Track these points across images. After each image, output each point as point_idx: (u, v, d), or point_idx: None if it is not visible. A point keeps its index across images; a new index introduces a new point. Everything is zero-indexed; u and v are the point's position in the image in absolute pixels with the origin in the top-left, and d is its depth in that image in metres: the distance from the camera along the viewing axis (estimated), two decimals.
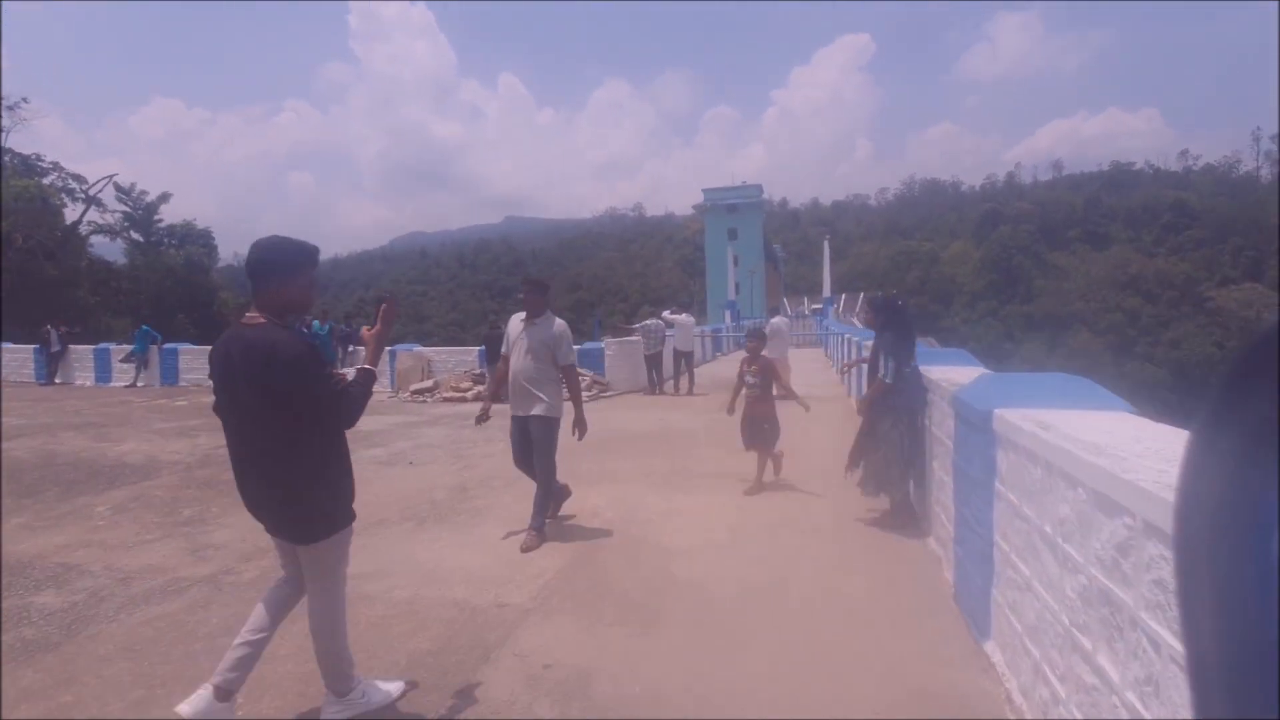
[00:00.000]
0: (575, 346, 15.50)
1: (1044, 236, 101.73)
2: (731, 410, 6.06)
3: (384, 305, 2.56)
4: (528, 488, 6.00)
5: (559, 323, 4.63)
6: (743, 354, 12.15)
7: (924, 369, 4.60)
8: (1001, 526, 2.74)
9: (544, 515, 4.61)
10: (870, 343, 10.97)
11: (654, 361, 13.21)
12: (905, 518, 4.70)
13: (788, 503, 5.35)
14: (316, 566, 2.45)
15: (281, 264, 2.35)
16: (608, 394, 13.20)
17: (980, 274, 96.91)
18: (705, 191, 63.35)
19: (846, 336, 13.54)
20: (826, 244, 33.33)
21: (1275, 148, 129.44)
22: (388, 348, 12.69)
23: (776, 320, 12.40)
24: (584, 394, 13.24)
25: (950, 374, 4.35)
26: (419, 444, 8.56)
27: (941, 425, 3.96)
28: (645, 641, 3.17)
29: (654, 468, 6.75)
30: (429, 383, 13.99)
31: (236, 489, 2.44)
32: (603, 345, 14.15)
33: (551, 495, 4.71)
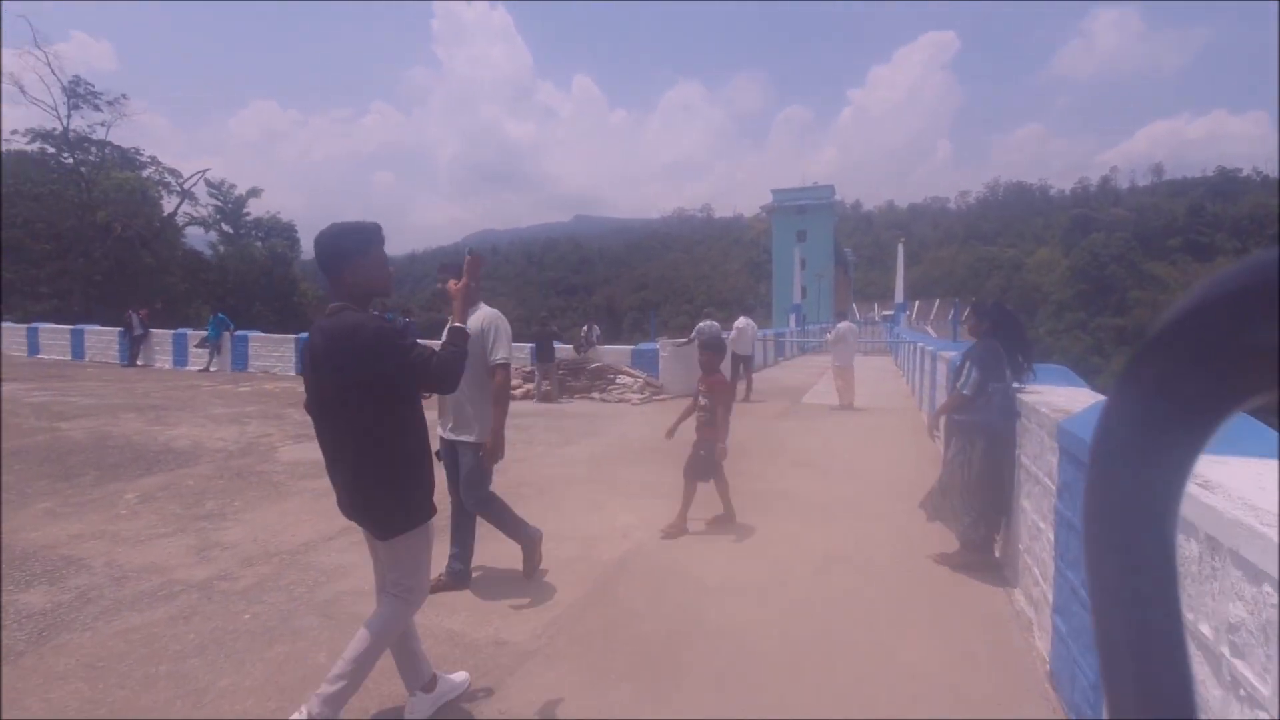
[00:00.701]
0: (631, 347, 14.77)
1: (1140, 245, 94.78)
2: (670, 434, 5.12)
3: (469, 259, 2.61)
4: (556, 500, 5.58)
5: (488, 312, 3.68)
6: (829, 362, 11.40)
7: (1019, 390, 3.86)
8: None
9: (470, 550, 3.85)
10: (930, 349, 10.15)
11: (733, 363, 12.64)
12: (975, 558, 3.97)
13: (841, 532, 4.68)
14: (396, 564, 2.41)
15: (345, 249, 2.30)
16: (660, 397, 12.68)
17: (1068, 283, 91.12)
18: (774, 192, 61.91)
19: (919, 345, 12.52)
20: (900, 247, 31.66)
21: None
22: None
23: (843, 325, 11.58)
24: (637, 396, 12.91)
25: (1050, 396, 3.60)
26: None
27: (1039, 460, 3.24)
28: (657, 704, 2.64)
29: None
30: None
31: (332, 489, 2.43)
32: (658, 346, 13.64)
33: (504, 524, 3.84)
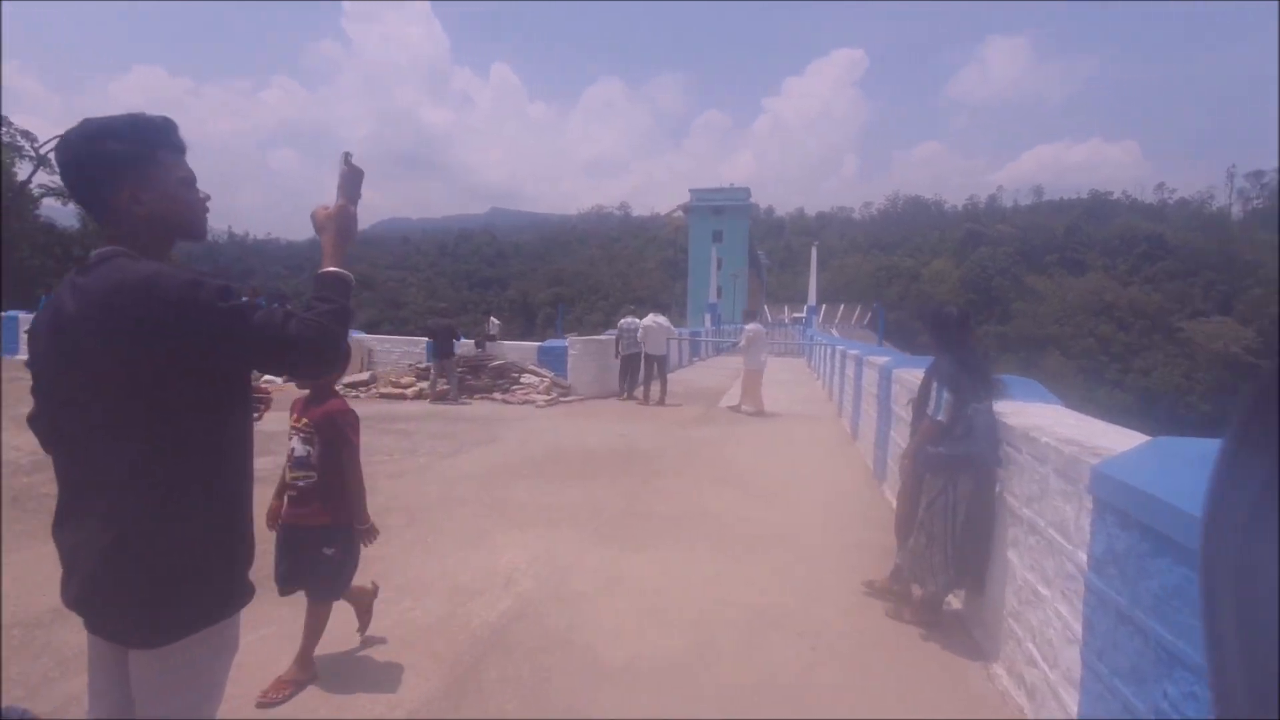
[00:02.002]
0: (537, 344, 13.36)
1: (1023, 259, 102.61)
2: (271, 524, 2.69)
3: (345, 167, 1.57)
4: (428, 531, 4.48)
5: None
6: (737, 361, 10.66)
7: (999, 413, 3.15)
8: None
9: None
10: (854, 353, 9.68)
11: (630, 364, 11.77)
12: (934, 617, 3.27)
13: (777, 576, 3.86)
14: (160, 693, 1.34)
15: (113, 159, 1.31)
16: (569, 398, 11.67)
17: (959, 293, 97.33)
18: (692, 191, 62.06)
19: (839, 349, 12.17)
20: (814, 251, 32.12)
21: (1248, 185, 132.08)
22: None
23: (752, 327, 10.96)
24: (542, 397, 11.84)
25: (1035, 418, 2.91)
26: None
27: (1041, 504, 2.52)
28: None
29: (603, 504, 5.24)
30: (365, 375, 12.32)
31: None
32: (567, 343, 12.61)
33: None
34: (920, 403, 3.31)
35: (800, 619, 3.29)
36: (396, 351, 13.49)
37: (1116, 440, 2.38)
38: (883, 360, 6.91)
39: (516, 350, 13.18)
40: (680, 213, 61.27)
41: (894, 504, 5.34)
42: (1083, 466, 2.14)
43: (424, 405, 10.60)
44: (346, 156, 1.60)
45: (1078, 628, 2.14)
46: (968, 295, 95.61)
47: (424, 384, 11.58)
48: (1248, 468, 0.28)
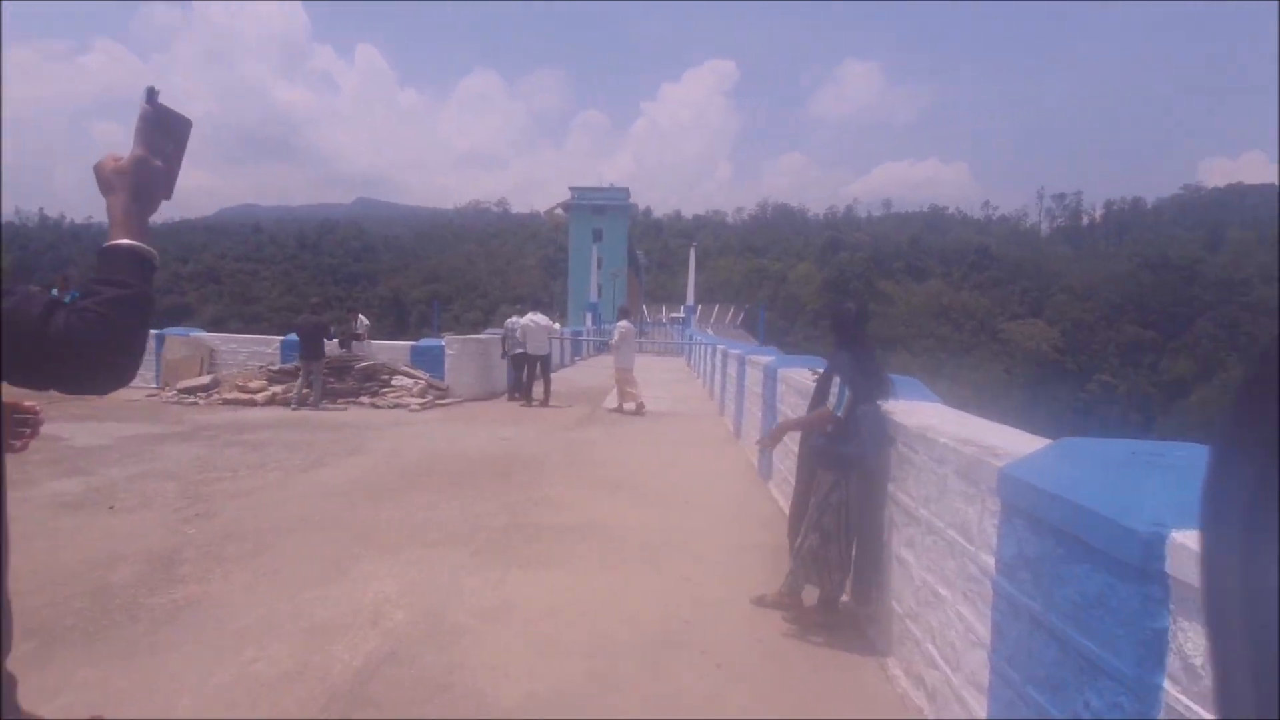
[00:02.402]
0: (411, 343, 12.43)
1: (876, 265, 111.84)
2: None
3: (144, 106, 1.13)
4: (278, 560, 3.87)
5: None
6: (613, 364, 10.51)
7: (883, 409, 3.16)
8: None
9: None
10: (736, 352, 9.92)
11: (521, 363, 11.28)
12: (832, 618, 3.25)
13: (672, 589, 3.70)
14: None
15: None
16: (445, 401, 10.98)
17: (821, 295, 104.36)
18: (572, 189, 61.61)
19: (720, 348, 12.40)
20: (692, 253, 32.89)
21: (1054, 205, 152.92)
22: (154, 330, 9.69)
23: (623, 325, 10.88)
24: (417, 401, 11.05)
25: (921, 417, 2.94)
26: (145, 471, 5.93)
27: (939, 505, 2.51)
28: None
29: (485, 518, 4.84)
30: (205, 379, 10.89)
31: None
32: (443, 342, 11.88)
33: None
34: (817, 400, 3.27)
35: (702, 635, 3.13)
36: (245, 352, 12.07)
37: (1007, 439, 2.41)
38: (766, 360, 7.02)
39: (387, 350, 12.23)
40: (560, 210, 60.62)
41: (781, 503, 5.39)
42: (986, 468, 2.13)
43: (278, 412, 9.52)
44: (149, 93, 1.18)
45: (983, 631, 2.12)
46: (829, 297, 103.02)
47: (278, 388, 10.41)
48: (1240, 471, 0.28)
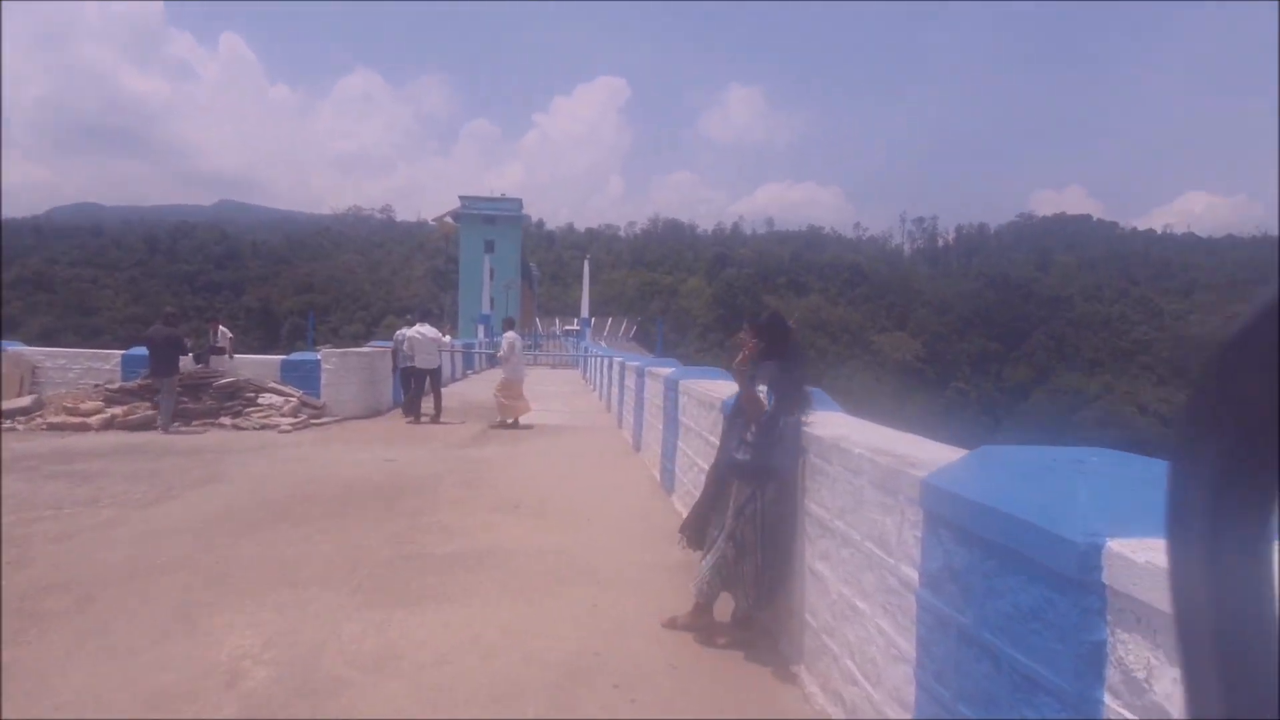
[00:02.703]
0: (282, 357, 11.45)
1: (761, 280, 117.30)
2: None
3: None
4: (109, 615, 3.20)
5: None
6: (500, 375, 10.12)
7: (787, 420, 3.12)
8: None
9: None
10: (635, 365, 9.87)
11: (409, 378, 10.59)
12: (747, 634, 3.17)
13: (579, 621, 3.47)
14: None
15: None
16: (322, 420, 10.08)
17: (711, 308, 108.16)
18: (463, 199, 59.85)
19: (619, 361, 12.30)
20: (586, 265, 32.78)
21: (914, 228, 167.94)
22: None
23: (510, 336, 10.50)
24: (288, 421, 10.03)
25: (840, 429, 2.93)
26: None
27: (855, 516, 2.47)
28: None
29: (367, 550, 4.38)
30: (26, 400, 9.36)
31: None
32: (319, 357, 10.94)
33: None
34: (734, 413, 3.18)
35: (613, 666, 2.93)
36: (77, 369, 10.51)
37: (920, 449, 2.41)
38: (667, 372, 6.97)
39: (254, 365, 11.09)
40: (450, 219, 58.56)
41: (683, 514, 5.30)
42: (905, 478, 2.09)
43: (117, 437, 8.32)
44: None
45: (905, 645, 2.07)
46: (717, 311, 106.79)
47: (118, 409, 9.12)
48: (1199, 479, 0.29)
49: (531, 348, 32.41)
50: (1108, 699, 1.32)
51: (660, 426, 6.80)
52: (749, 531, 3.01)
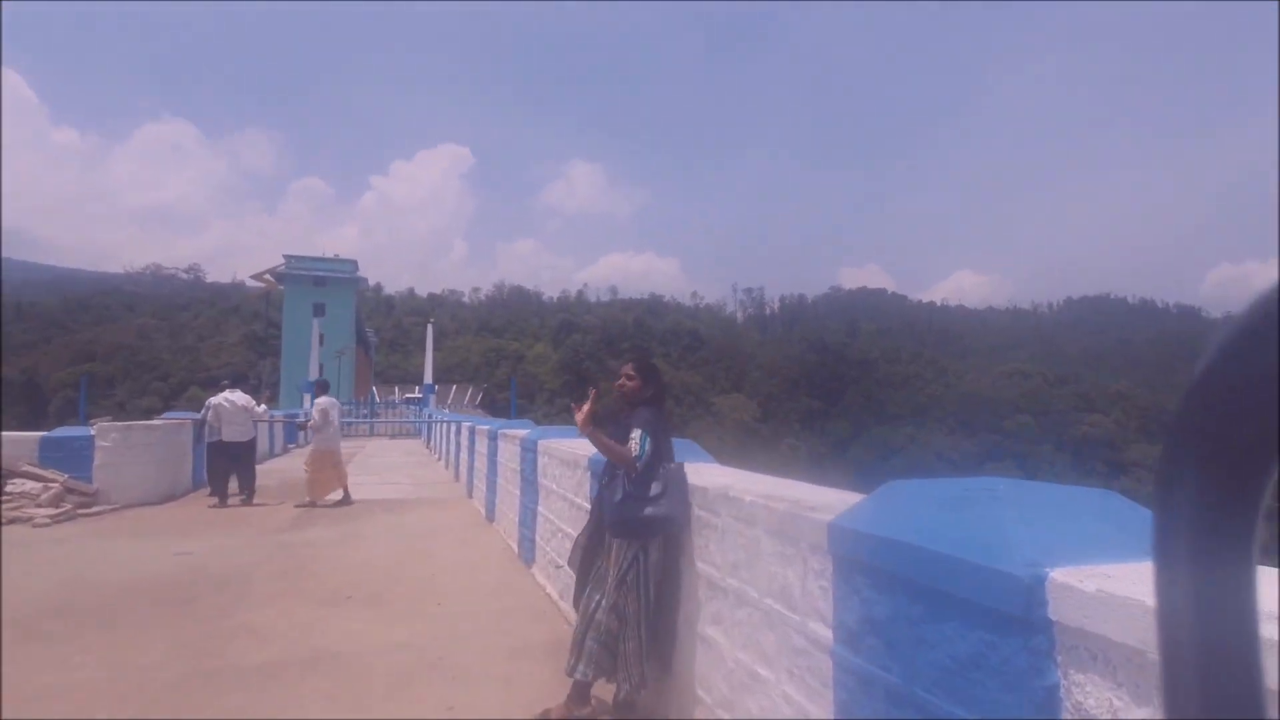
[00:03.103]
0: (41, 434, 9.54)
1: (605, 346, 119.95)
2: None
3: None
4: None
5: None
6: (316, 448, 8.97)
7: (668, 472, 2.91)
8: None
9: None
10: (486, 427, 9.29)
11: (219, 452, 9.00)
12: (630, 715, 2.83)
13: None
14: None
15: None
16: (93, 510, 8.24)
17: (557, 374, 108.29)
18: (288, 258, 55.14)
19: (465, 424, 11.54)
20: (430, 330, 31.19)
21: (745, 298, 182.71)
22: None
23: (324, 400, 9.26)
24: (46, 512, 8.05)
25: (722, 478, 2.78)
26: None
27: (751, 571, 2.28)
28: None
29: (145, 671, 3.44)
30: None
31: None
32: (91, 431, 9.06)
33: None
34: (612, 465, 2.90)
35: None
36: None
37: (812, 493, 2.31)
38: (523, 432, 6.55)
39: (6, 442, 8.90)
40: (271, 278, 53.47)
41: (549, 589, 4.86)
42: (807, 523, 1.95)
43: None
44: None
45: (818, 712, 1.88)
46: (564, 377, 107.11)
47: None
48: (1181, 506, 0.30)
49: (369, 416, 29.85)
50: None
51: (517, 493, 6.32)
52: (633, 602, 2.71)
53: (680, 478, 2.75)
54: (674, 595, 2.80)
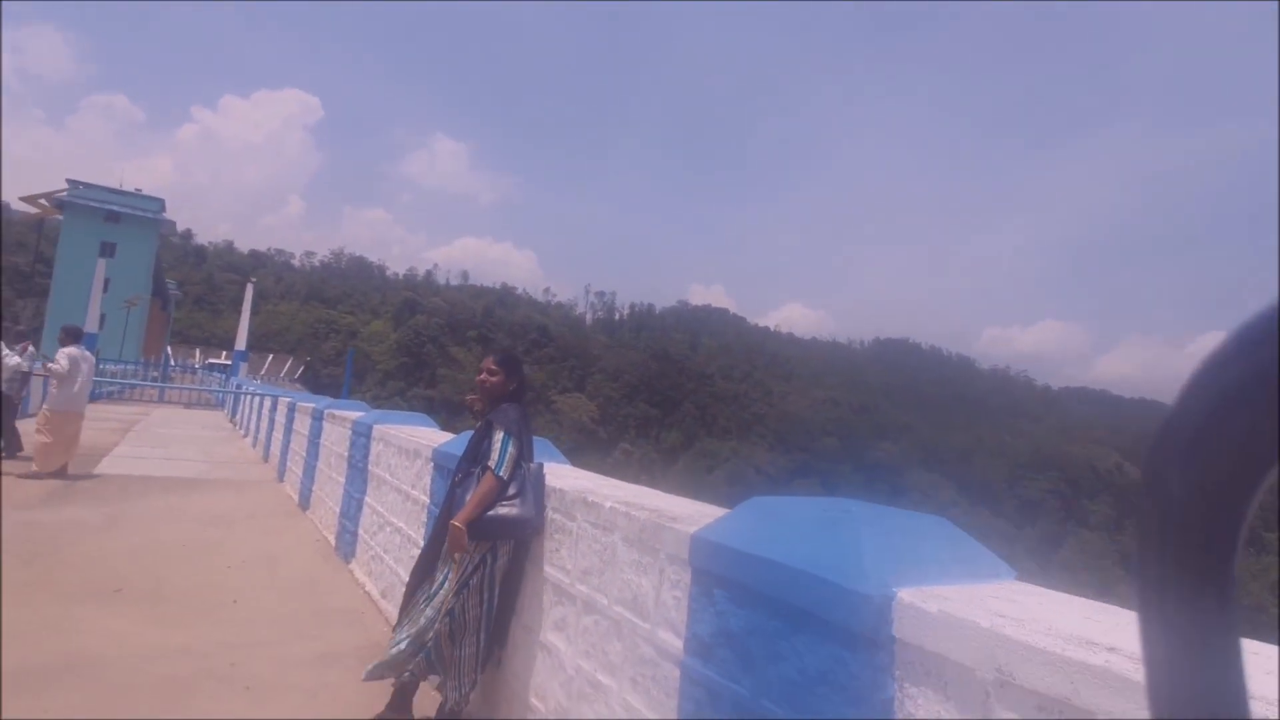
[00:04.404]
0: None
1: (450, 332, 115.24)
2: None
3: None
4: None
5: None
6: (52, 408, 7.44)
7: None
8: None
9: None
10: (309, 405, 8.38)
11: None
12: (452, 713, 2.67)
13: None
14: None
15: None
16: None
17: (394, 355, 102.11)
18: (73, 184, 46.40)
19: (281, 400, 10.36)
20: (250, 290, 27.67)
21: (595, 300, 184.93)
22: None
23: (72, 351, 7.65)
24: None
25: (578, 481, 2.71)
26: None
27: (603, 578, 2.23)
28: None
29: None
30: None
31: None
32: None
33: None
34: (469, 460, 2.71)
35: None
36: None
37: (673, 503, 2.33)
38: (356, 415, 6.01)
39: None
40: (45, 203, 44.58)
41: (370, 587, 4.51)
42: (668, 534, 1.95)
43: None
44: None
45: None
46: (401, 359, 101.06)
47: None
48: (1162, 560, 0.30)
49: (160, 380, 25.81)
50: None
51: (341, 480, 5.78)
52: (474, 606, 2.55)
53: (539, 479, 2.65)
54: (514, 600, 2.69)
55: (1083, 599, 1.44)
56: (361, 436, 5.40)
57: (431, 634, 2.55)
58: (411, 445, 4.28)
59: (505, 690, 2.72)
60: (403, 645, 2.58)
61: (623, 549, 2.17)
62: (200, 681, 2.98)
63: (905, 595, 1.33)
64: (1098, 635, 1.14)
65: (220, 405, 23.38)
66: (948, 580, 1.43)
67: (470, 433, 3.02)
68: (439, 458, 3.69)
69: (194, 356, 56.73)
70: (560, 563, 2.51)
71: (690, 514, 2.06)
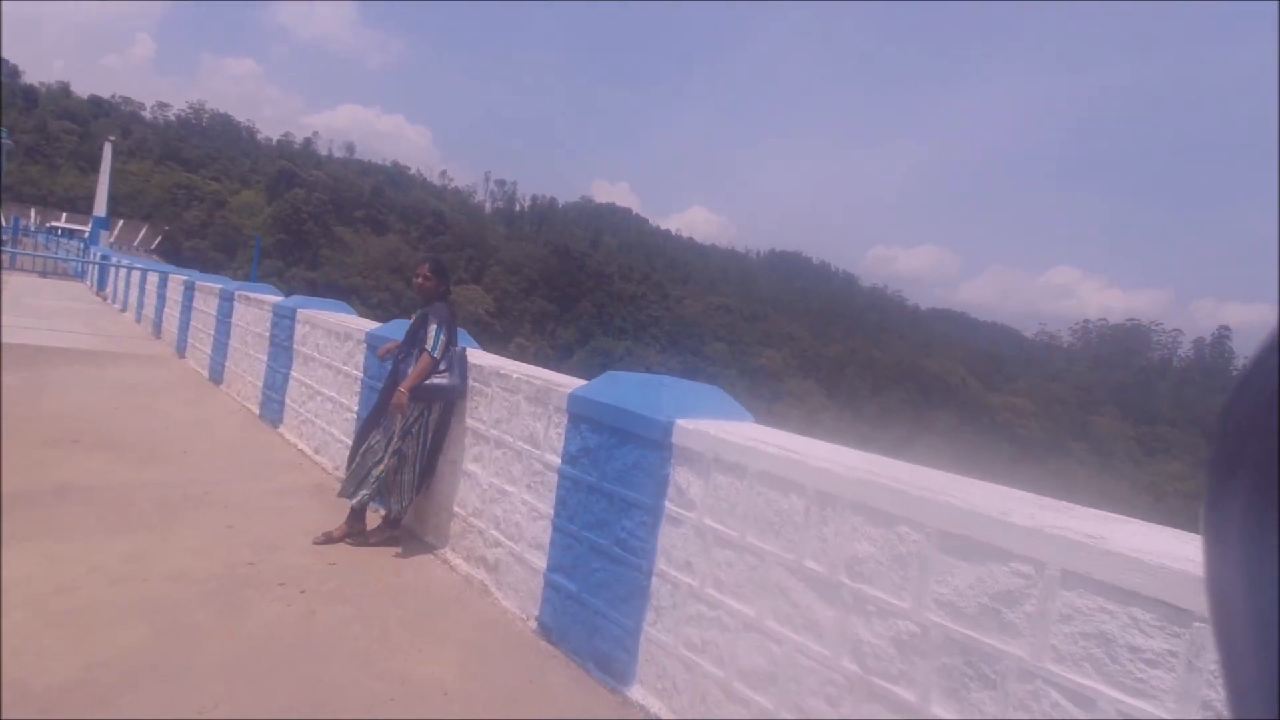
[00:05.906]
0: None
1: (334, 210, 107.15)
2: None
3: None
4: None
5: None
6: None
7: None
8: (674, 554, 2.42)
9: None
10: (218, 287, 8.64)
11: None
12: (397, 532, 3.74)
13: (220, 539, 3.44)
14: None
15: None
16: None
17: (269, 231, 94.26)
18: None
19: (172, 278, 10.26)
20: (108, 150, 24.70)
21: (495, 189, 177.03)
22: None
23: None
24: None
25: (490, 360, 3.71)
26: None
27: (510, 424, 3.29)
28: None
29: None
30: None
31: None
32: None
33: None
34: (408, 344, 3.61)
35: (273, 571, 3.13)
36: None
37: (552, 376, 3.38)
38: (276, 299, 6.54)
39: None
40: None
41: (303, 446, 5.36)
42: (554, 393, 3.02)
43: None
44: None
45: (544, 507, 3.02)
46: (278, 235, 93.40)
47: None
48: (1235, 489, 0.31)
49: (10, 245, 23.18)
50: (668, 504, 2.48)
51: (264, 357, 6.39)
52: (412, 447, 3.56)
53: (463, 358, 3.62)
54: (442, 443, 3.71)
55: (777, 429, 2.65)
56: (285, 319, 6.01)
57: (382, 468, 3.54)
58: (342, 329, 5.04)
59: (433, 505, 3.80)
60: (359, 476, 3.56)
61: (524, 405, 3.23)
62: (186, 502, 3.83)
63: (682, 423, 2.47)
64: (780, 440, 2.33)
65: (80, 276, 21.63)
66: (708, 418, 2.60)
67: (397, 321, 3.89)
68: (372, 339, 4.52)
69: (28, 217, 50.09)
70: (479, 416, 3.54)
71: (568, 382, 3.13)
